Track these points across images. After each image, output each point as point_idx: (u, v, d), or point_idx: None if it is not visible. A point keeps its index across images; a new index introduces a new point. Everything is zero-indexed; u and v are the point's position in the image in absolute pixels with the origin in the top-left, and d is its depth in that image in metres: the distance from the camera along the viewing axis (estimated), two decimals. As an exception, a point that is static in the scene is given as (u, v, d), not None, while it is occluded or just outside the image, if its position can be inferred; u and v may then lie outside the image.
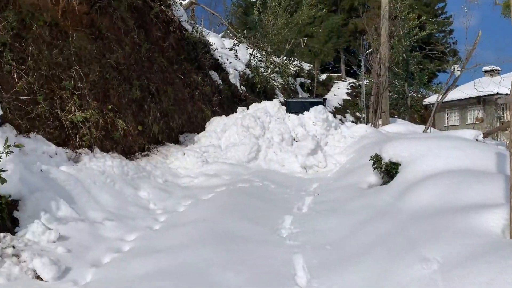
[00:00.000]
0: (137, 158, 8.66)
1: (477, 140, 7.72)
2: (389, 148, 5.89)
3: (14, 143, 4.29)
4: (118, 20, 9.88)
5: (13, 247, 4.14)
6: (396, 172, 5.51)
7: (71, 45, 7.83)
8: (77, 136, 7.16)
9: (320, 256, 4.00)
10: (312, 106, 15.84)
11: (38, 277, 3.79)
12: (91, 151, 7.23)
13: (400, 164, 5.52)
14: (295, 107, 15.92)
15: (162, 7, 13.00)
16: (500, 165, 4.74)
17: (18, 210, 4.81)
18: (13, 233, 4.52)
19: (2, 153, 4.20)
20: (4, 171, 4.26)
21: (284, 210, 5.78)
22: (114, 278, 3.71)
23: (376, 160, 6.01)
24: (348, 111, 35.93)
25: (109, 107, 8.34)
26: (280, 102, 16.81)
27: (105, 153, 7.52)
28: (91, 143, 7.38)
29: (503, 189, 3.64)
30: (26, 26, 6.99)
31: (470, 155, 5.13)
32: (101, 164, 6.84)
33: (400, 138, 6.87)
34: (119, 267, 3.95)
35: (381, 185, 5.86)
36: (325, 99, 19.76)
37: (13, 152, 4.20)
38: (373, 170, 6.09)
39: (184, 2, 17.45)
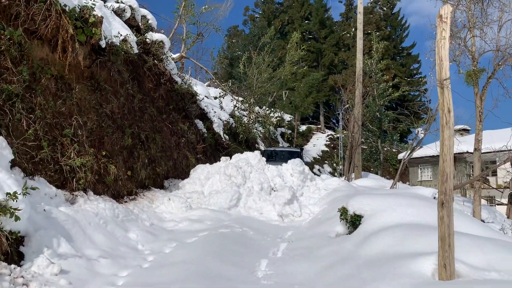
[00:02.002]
0: (126, 202, 9.28)
1: (434, 197, 8.64)
2: (354, 202, 6.74)
3: (32, 186, 4.95)
4: (115, 73, 10.76)
5: (22, 277, 4.72)
6: (359, 223, 6.32)
7: (73, 96, 8.64)
8: (74, 179, 7.80)
9: (290, 294, 4.70)
10: (290, 155, 16.68)
11: (46, 305, 4.37)
12: (86, 194, 7.86)
13: (363, 217, 6.35)
14: (275, 155, 16.97)
15: (155, 61, 14.04)
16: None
17: (24, 246, 5.40)
18: (19, 266, 5.09)
19: (20, 194, 4.85)
20: (19, 210, 4.91)
21: (261, 254, 6.47)
22: (112, 307, 4.31)
23: (343, 212, 6.83)
24: (326, 162, 37.15)
25: (103, 153, 9.04)
26: (261, 151, 17.80)
27: (97, 196, 8.16)
28: (85, 186, 8.02)
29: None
30: (35, 79, 7.79)
31: (422, 212, 6.00)
32: (95, 207, 7.46)
33: (365, 194, 7.74)
34: (116, 298, 4.56)
35: (346, 234, 6.64)
36: (302, 149, 21.03)
37: (29, 193, 4.86)
38: (340, 221, 6.89)
39: (174, 56, 18.61)
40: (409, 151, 13.22)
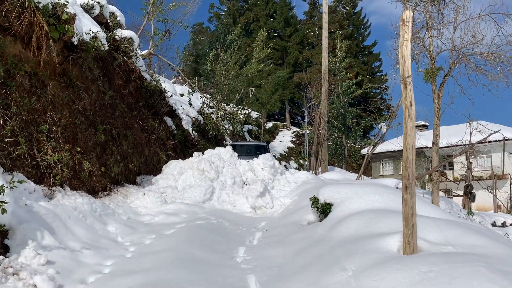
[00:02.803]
0: (101, 197, 9.39)
1: (397, 187, 9.27)
2: (324, 192, 7.20)
3: (19, 179, 5.09)
4: (86, 69, 10.79)
5: (11, 267, 4.87)
6: (330, 211, 6.79)
7: (47, 92, 8.69)
8: (50, 175, 7.88)
9: (269, 275, 5.08)
10: (256, 149, 17.16)
11: (38, 291, 4.56)
12: (63, 189, 7.95)
13: (333, 205, 6.82)
14: (241, 149, 17.16)
15: (125, 58, 14.09)
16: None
17: (8, 239, 5.53)
18: (6, 258, 5.22)
19: (7, 187, 4.99)
20: (6, 202, 5.05)
21: (238, 242, 6.83)
22: (102, 291, 4.56)
23: (314, 201, 7.28)
24: (292, 158, 37.88)
25: (78, 149, 9.13)
26: (231, 144, 18.09)
27: (74, 191, 8.26)
28: (62, 182, 8.11)
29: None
30: (10, 76, 7.80)
31: (386, 198, 6.53)
32: (73, 201, 7.59)
33: (334, 184, 8.24)
34: (105, 283, 4.81)
35: (318, 222, 7.09)
36: (268, 142, 21.55)
37: (16, 187, 5.01)
38: (312, 209, 7.34)
39: (143, 53, 18.62)
40: (372, 146, 13.94)
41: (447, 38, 16.85)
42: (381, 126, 12.50)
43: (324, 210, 6.96)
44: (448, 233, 4.60)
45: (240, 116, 26.05)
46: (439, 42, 17.00)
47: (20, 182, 5.15)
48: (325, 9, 18.04)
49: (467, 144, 16.53)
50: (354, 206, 6.34)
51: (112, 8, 15.10)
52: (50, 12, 8.66)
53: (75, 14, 9.31)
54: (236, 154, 12.13)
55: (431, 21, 17.13)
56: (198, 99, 24.25)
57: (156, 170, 13.60)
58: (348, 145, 32.99)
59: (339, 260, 4.44)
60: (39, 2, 8.28)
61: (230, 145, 18.66)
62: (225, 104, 25.53)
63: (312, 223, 7.25)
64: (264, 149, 17.47)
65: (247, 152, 17.01)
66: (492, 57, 15.39)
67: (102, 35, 11.65)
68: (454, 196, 29.34)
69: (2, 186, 4.95)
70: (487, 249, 4.12)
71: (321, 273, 4.41)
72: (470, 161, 21.72)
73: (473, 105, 55.67)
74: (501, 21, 15.59)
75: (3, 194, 5.05)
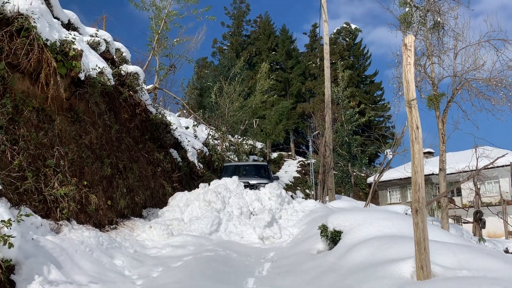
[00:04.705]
0: (107, 231, 9.33)
1: (406, 213, 9.15)
2: (333, 219, 7.12)
3: (26, 213, 5.08)
4: (92, 104, 10.95)
5: (18, 303, 4.79)
6: (339, 239, 6.68)
7: (54, 127, 8.79)
8: (57, 209, 7.86)
9: (280, 305, 4.97)
10: (256, 170, 15.42)
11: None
12: (70, 223, 7.91)
13: (342, 232, 6.72)
14: (237, 171, 15.24)
15: (131, 92, 14.30)
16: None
17: (14, 274, 5.45)
18: (12, 294, 5.15)
19: (14, 221, 4.97)
20: (13, 237, 5.01)
21: (247, 273, 6.71)
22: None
23: (323, 229, 7.18)
24: (298, 188, 37.68)
25: (85, 183, 9.14)
26: (225, 165, 16.93)
27: (81, 225, 8.22)
28: (69, 216, 8.08)
29: (414, 247, 4.88)
30: (18, 111, 7.92)
31: (396, 224, 6.44)
32: (79, 235, 7.53)
33: (343, 211, 8.15)
34: (113, 318, 4.69)
35: (328, 250, 6.97)
36: (269, 161, 20.60)
37: (23, 220, 4.98)
38: (321, 238, 7.23)
39: (148, 87, 18.91)
40: (379, 173, 13.88)
41: (448, 65, 17.05)
42: (386, 152, 12.51)
43: (333, 238, 6.85)
44: (461, 257, 4.50)
45: (245, 147, 26.13)
46: (441, 69, 17.19)
47: (27, 215, 5.13)
48: (325, 40, 18.41)
49: (474, 170, 16.41)
50: (364, 233, 6.24)
51: (118, 44, 15.47)
52: (58, 49, 8.87)
53: (82, 50, 9.53)
54: (242, 184, 12.05)
55: (431, 49, 17.39)
56: (203, 131, 24.42)
57: (162, 202, 13.55)
58: (354, 173, 32.84)
59: (351, 287, 4.34)
60: (47, 40, 8.49)
61: (223, 166, 16.85)
62: (229, 135, 25.67)
63: (322, 251, 7.13)
64: (265, 170, 15.26)
65: (244, 174, 14.92)
66: (494, 82, 15.49)
67: (108, 71, 11.88)
68: (464, 223, 28.89)
69: (9, 220, 4.93)
70: (502, 273, 4.02)
71: (334, 302, 4.30)
72: (478, 186, 21.51)
73: (478, 130, 55.55)
74: (500, 47, 15.76)
75: (10, 228, 5.03)
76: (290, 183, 37.57)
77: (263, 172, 15.01)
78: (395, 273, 4.27)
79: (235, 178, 11.98)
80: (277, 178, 16.03)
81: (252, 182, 13.58)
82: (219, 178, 13.62)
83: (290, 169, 42.04)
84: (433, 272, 4.21)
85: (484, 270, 4.11)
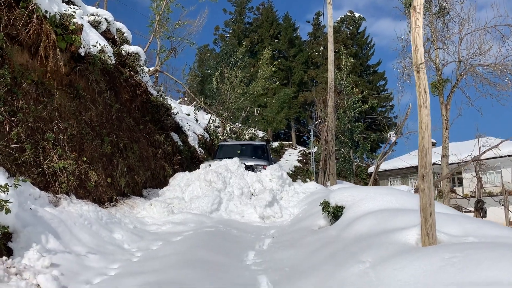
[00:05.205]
0: (107, 207, 9.24)
1: (410, 191, 9.05)
2: (335, 195, 7.02)
3: (23, 179, 4.98)
4: (93, 82, 10.81)
5: (15, 267, 4.71)
6: (341, 214, 6.58)
7: (54, 102, 8.66)
8: (56, 182, 7.76)
9: (280, 274, 4.88)
10: (253, 150, 14.36)
11: (41, 290, 4.39)
12: (68, 197, 7.82)
13: (344, 207, 6.62)
14: (231, 152, 13.95)
15: (131, 72, 14.13)
16: (421, 206, 5.95)
17: (12, 241, 5.38)
18: (8, 259, 5.06)
19: (11, 186, 4.87)
20: (10, 202, 4.92)
21: (247, 247, 6.63)
22: (108, 291, 4.37)
23: (325, 205, 7.09)
24: (299, 177, 37.56)
25: (84, 159, 9.03)
26: (220, 145, 15.99)
27: (80, 200, 8.13)
28: (68, 190, 7.98)
29: (419, 218, 4.78)
30: (17, 83, 7.78)
31: (399, 199, 6.34)
32: (78, 209, 7.44)
33: (345, 188, 8.05)
34: (111, 283, 4.62)
35: (329, 225, 6.88)
36: (268, 142, 18.24)
37: (20, 185, 4.89)
38: (322, 213, 7.14)
39: (149, 69, 18.73)
40: (382, 155, 13.78)
41: (452, 51, 16.86)
42: (390, 135, 12.37)
43: (335, 213, 6.76)
44: (468, 226, 4.41)
45: (246, 134, 25.98)
46: (445, 54, 17.01)
47: (25, 181, 5.05)
48: (330, 22, 18.19)
49: (476, 156, 16.29)
50: (367, 207, 6.14)
51: (119, 24, 15.26)
52: (57, 22, 8.70)
53: (82, 25, 9.36)
54: (243, 166, 11.90)
55: (436, 34, 17.17)
56: (204, 118, 24.26)
57: (162, 184, 13.46)
58: (355, 163, 32.76)
59: (354, 255, 4.24)
60: (46, 12, 8.33)
61: (218, 145, 15.68)
62: (230, 122, 25.53)
63: (323, 227, 7.04)
64: (264, 151, 14.11)
65: (240, 154, 13.38)
66: (500, 68, 15.32)
67: (109, 49, 11.71)
68: (465, 212, 28.84)
69: (6, 184, 4.84)
70: (511, 239, 3.92)
71: (337, 268, 4.20)
72: (480, 175, 21.42)
73: (482, 116, 55.24)
74: (507, 33, 15.57)
75: (7, 193, 4.93)
76: (290, 172, 37.48)
77: (261, 153, 13.91)
78: (399, 240, 4.18)
79: (236, 159, 11.85)
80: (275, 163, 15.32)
81: (249, 163, 12.27)
82: (213, 158, 13.25)
83: (291, 158, 41.94)
84: (438, 239, 4.11)
85: (492, 237, 4.01)
